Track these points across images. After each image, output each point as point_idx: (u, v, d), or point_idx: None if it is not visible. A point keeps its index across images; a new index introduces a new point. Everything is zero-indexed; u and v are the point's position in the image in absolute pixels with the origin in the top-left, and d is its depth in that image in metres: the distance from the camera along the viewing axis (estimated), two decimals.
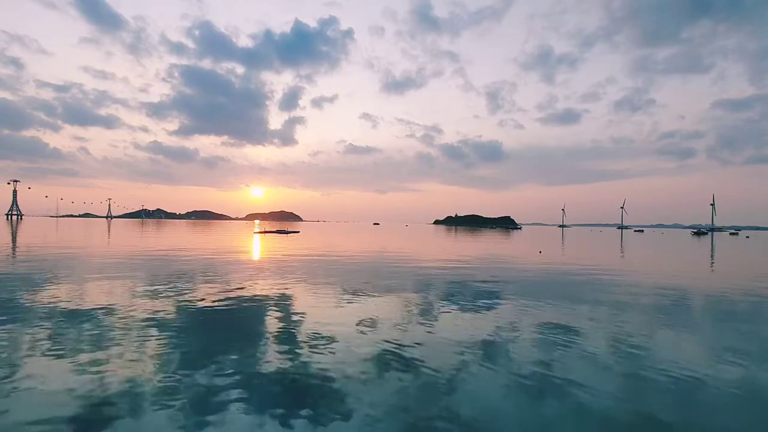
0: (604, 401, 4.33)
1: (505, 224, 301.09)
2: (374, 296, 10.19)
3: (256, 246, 29.72)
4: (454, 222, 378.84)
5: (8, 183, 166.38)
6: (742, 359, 5.87)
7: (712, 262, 22.55)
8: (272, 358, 5.51)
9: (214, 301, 9.12)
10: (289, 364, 5.32)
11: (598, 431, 3.79)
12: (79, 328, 6.75)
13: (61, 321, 7.16)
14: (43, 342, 5.97)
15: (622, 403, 4.31)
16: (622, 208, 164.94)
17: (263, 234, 51.42)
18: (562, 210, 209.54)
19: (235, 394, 4.34)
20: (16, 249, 22.11)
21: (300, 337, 6.50)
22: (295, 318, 7.80)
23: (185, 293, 10.01)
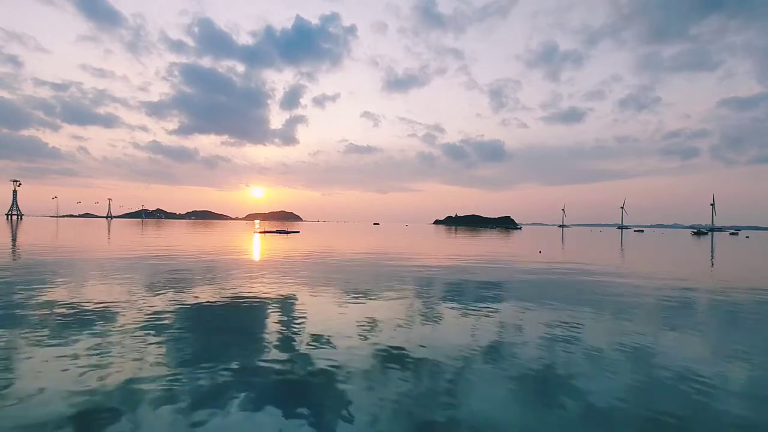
0: (608, 402, 4.31)
1: (505, 224, 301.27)
2: (374, 297, 10.20)
3: (257, 246, 29.72)
4: (454, 222, 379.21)
5: (17, 183, 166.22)
6: (746, 360, 5.88)
7: (712, 263, 22.55)
8: (273, 359, 5.52)
9: (215, 302, 9.13)
10: (289, 364, 5.33)
11: None
12: (79, 328, 6.75)
13: (62, 321, 7.17)
14: (44, 342, 5.99)
15: (626, 404, 4.28)
16: (622, 208, 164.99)
17: (263, 234, 51.42)
18: (562, 210, 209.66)
19: (235, 394, 4.34)
20: (17, 250, 22.11)
21: (300, 338, 6.50)
22: (295, 318, 7.81)
23: (185, 293, 10.02)
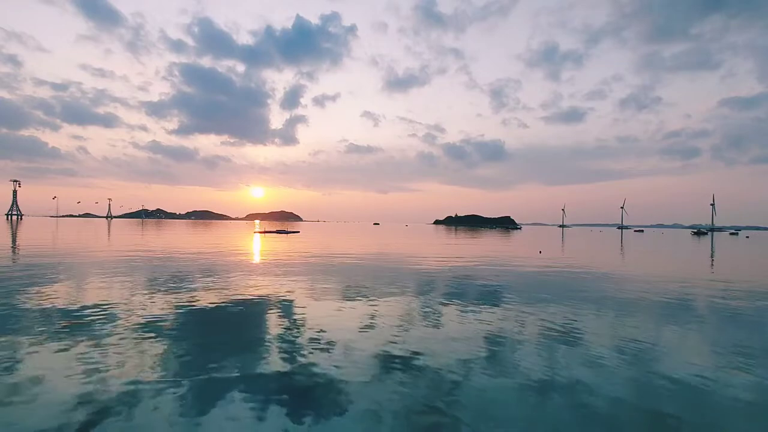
0: (609, 403, 4.31)
1: (505, 224, 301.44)
2: (375, 297, 10.20)
3: (256, 246, 29.72)
4: (454, 222, 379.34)
5: (17, 183, 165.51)
6: (747, 360, 5.88)
7: (711, 263, 22.55)
8: (273, 360, 5.52)
9: (214, 302, 9.12)
10: (289, 365, 5.33)
11: None
12: (79, 329, 6.75)
13: (62, 322, 7.16)
14: (43, 343, 5.98)
15: (627, 406, 4.28)
16: (622, 208, 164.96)
17: (263, 234, 51.42)
18: (562, 210, 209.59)
19: (235, 395, 4.34)
20: (17, 250, 22.11)
21: (300, 339, 6.50)
22: (295, 319, 7.81)
23: (185, 294, 10.01)
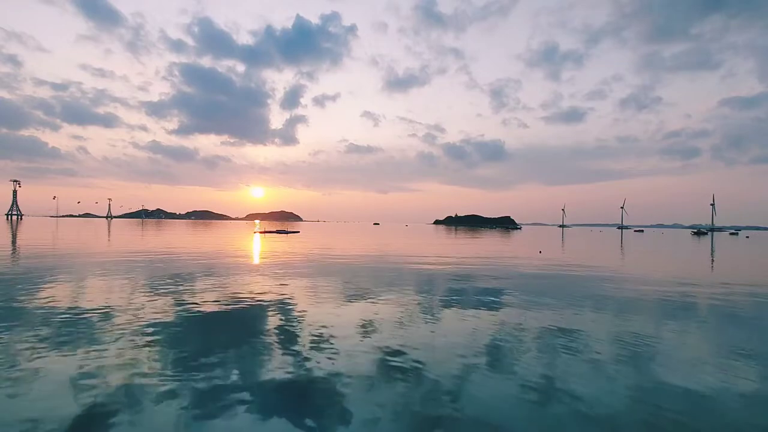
0: (609, 406, 4.28)
1: (505, 224, 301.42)
2: (375, 297, 10.20)
3: (256, 246, 29.72)
4: (454, 222, 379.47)
5: (17, 183, 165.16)
6: (747, 361, 5.88)
7: (711, 263, 22.55)
8: (273, 361, 5.52)
9: (214, 303, 9.13)
10: (289, 366, 5.33)
11: None
12: (79, 329, 6.75)
13: (62, 322, 7.16)
14: (43, 344, 5.98)
15: (628, 408, 4.25)
16: (622, 208, 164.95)
17: (263, 234, 51.43)
18: (562, 210, 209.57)
19: (235, 396, 4.33)
20: (17, 249, 22.11)
21: (300, 339, 6.51)
22: (295, 320, 7.81)
23: (185, 295, 10.02)
